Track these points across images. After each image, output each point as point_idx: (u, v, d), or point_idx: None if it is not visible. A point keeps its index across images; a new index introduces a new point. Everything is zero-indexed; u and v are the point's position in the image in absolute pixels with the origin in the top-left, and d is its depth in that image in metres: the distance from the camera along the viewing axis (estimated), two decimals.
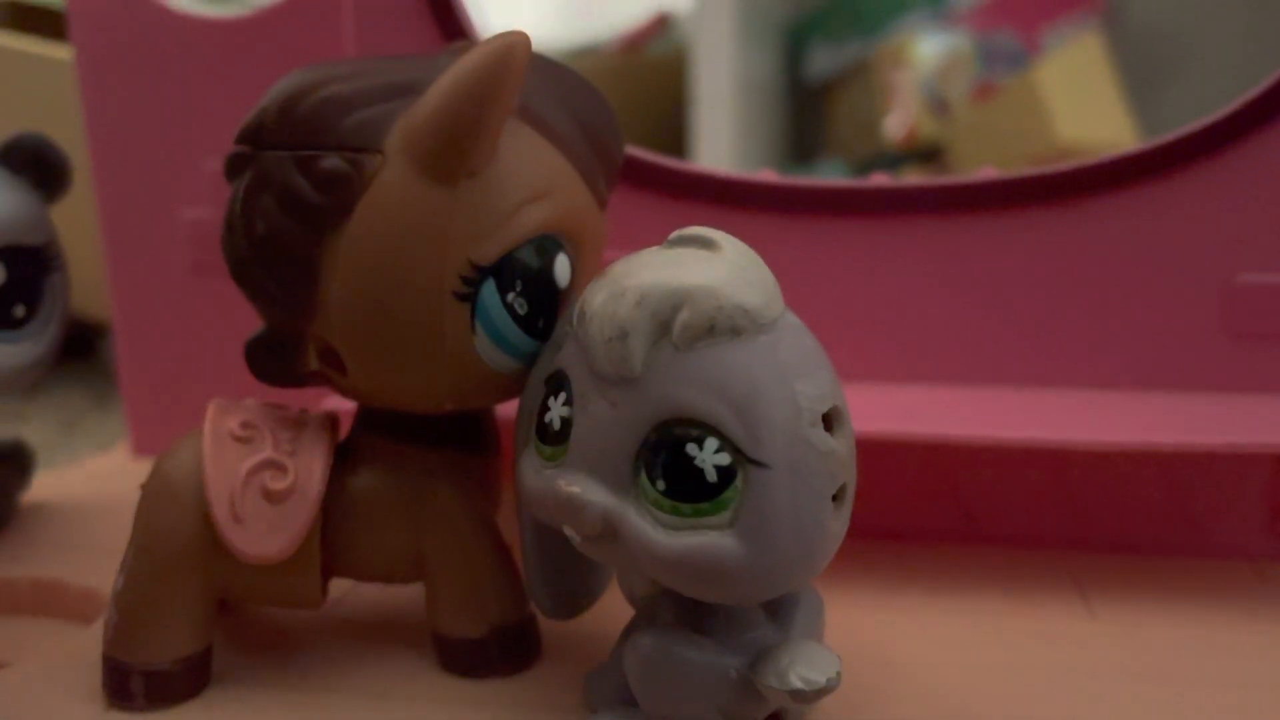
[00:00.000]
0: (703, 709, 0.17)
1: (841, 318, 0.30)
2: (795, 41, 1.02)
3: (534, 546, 0.20)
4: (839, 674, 0.16)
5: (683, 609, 0.18)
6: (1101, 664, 0.21)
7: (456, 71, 0.17)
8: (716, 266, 0.16)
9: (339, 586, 0.24)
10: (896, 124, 0.91)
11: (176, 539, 0.19)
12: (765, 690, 0.16)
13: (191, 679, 0.20)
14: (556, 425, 0.17)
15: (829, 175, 0.89)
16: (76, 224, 0.33)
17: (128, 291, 0.34)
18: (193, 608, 0.20)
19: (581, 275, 0.20)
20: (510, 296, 0.18)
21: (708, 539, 0.15)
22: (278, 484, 0.19)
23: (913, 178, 0.30)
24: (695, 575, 0.16)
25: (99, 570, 0.25)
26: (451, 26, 0.30)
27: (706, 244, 0.16)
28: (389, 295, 0.18)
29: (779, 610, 0.18)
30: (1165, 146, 0.27)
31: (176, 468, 0.20)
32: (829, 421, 0.16)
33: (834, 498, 0.16)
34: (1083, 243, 0.28)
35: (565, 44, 0.98)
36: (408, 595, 0.24)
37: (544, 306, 0.19)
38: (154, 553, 0.19)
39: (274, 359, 0.20)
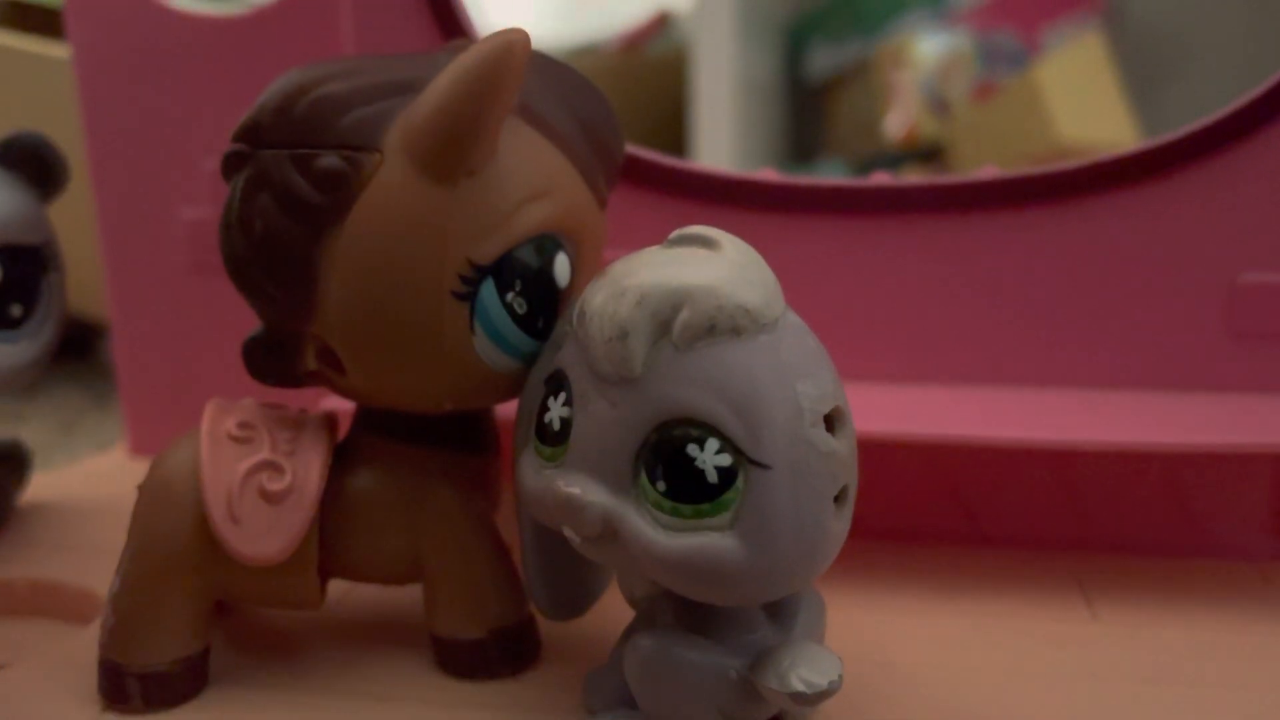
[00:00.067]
0: (703, 711, 0.17)
1: (842, 317, 0.30)
2: (795, 41, 1.02)
3: (534, 547, 0.20)
4: (840, 677, 0.16)
5: (683, 610, 0.17)
6: (1104, 665, 0.21)
7: (455, 70, 0.17)
8: (717, 266, 0.16)
9: (337, 587, 0.24)
10: (897, 123, 0.91)
11: (173, 540, 0.19)
12: (766, 692, 0.16)
13: (189, 681, 0.20)
14: (556, 425, 0.17)
15: (829, 175, 0.89)
16: (75, 223, 0.32)
17: (126, 291, 0.34)
18: (190, 609, 0.20)
19: (581, 275, 0.20)
20: (510, 296, 0.18)
21: (708, 540, 0.15)
22: (275, 484, 0.19)
23: (913, 177, 0.30)
24: (696, 576, 0.15)
25: (97, 571, 0.25)
26: (450, 25, 0.30)
27: (707, 243, 0.16)
28: (388, 295, 0.18)
29: (780, 611, 0.18)
30: (1166, 146, 0.27)
31: (174, 468, 0.19)
32: (831, 422, 0.16)
33: (836, 499, 0.16)
34: (1084, 242, 0.28)
35: (565, 42, 0.98)
36: (407, 596, 0.24)
37: (543, 306, 0.19)
38: (151, 554, 0.19)
39: (272, 359, 0.20)
